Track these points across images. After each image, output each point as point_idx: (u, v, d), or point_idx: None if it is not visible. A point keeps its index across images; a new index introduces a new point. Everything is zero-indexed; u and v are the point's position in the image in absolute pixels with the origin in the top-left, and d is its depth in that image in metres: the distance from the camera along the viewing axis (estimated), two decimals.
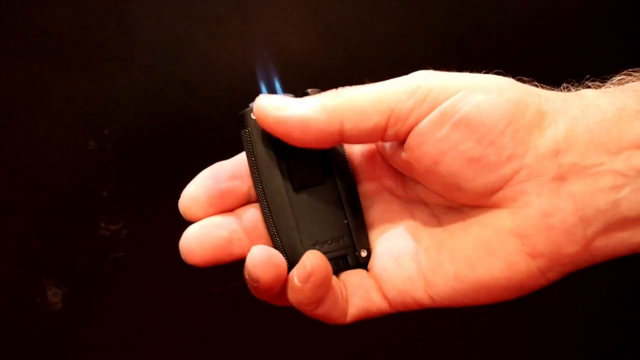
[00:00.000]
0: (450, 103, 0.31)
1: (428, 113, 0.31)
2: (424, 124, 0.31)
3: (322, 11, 0.51)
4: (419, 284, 0.33)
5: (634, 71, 0.33)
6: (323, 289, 0.32)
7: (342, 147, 0.36)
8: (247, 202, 0.35)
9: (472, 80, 0.32)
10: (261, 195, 0.34)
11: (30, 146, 0.51)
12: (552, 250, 0.31)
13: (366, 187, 0.37)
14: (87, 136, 0.51)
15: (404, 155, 0.33)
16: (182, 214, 0.34)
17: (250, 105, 0.34)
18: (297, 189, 0.34)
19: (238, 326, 0.57)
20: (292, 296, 0.32)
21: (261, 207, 0.35)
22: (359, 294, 0.34)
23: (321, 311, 0.33)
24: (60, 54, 0.50)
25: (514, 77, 0.33)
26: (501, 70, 0.33)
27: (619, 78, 0.33)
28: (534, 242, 0.31)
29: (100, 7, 0.50)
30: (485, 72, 0.33)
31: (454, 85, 0.31)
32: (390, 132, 0.32)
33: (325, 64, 0.53)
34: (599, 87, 0.33)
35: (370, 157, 0.37)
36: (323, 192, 0.35)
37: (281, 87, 0.35)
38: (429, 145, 0.31)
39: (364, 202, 0.36)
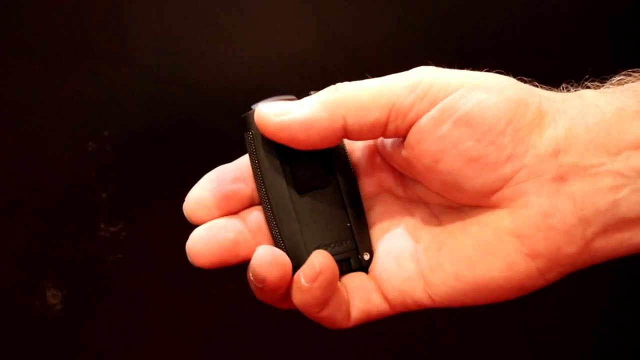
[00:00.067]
0: (450, 100, 0.31)
1: (428, 109, 0.31)
2: (424, 120, 0.31)
3: (322, 11, 0.51)
4: (418, 284, 0.33)
5: (633, 71, 0.33)
6: (330, 290, 0.32)
7: (344, 149, 0.36)
8: (251, 204, 0.35)
9: (473, 78, 0.32)
10: (264, 199, 0.34)
11: (30, 147, 0.51)
12: (552, 250, 0.31)
13: (366, 188, 0.37)
14: (86, 137, 0.51)
15: (404, 152, 0.33)
16: (187, 217, 0.34)
17: (253, 107, 0.34)
18: (300, 193, 0.34)
19: (238, 328, 0.57)
20: (299, 297, 0.32)
21: (264, 210, 0.34)
22: (359, 296, 0.34)
23: (325, 313, 0.33)
24: (60, 54, 0.50)
25: (514, 77, 0.33)
26: (502, 70, 0.33)
27: (619, 78, 0.33)
28: (534, 242, 0.31)
29: (100, 7, 0.50)
30: (486, 72, 0.33)
31: (455, 82, 0.31)
32: (391, 127, 0.32)
33: (325, 64, 0.52)
34: (599, 87, 0.33)
35: (370, 158, 0.37)
36: (326, 195, 0.35)
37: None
38: (429, 143, 0.31)
39: (364, 204, 0.36)
